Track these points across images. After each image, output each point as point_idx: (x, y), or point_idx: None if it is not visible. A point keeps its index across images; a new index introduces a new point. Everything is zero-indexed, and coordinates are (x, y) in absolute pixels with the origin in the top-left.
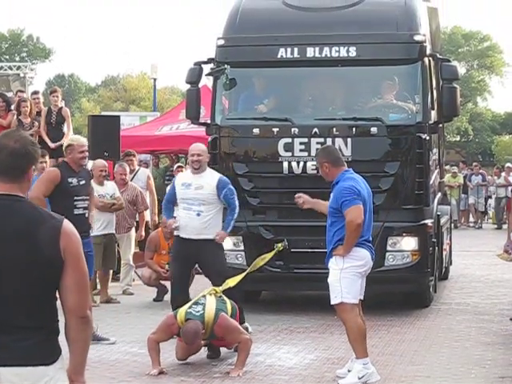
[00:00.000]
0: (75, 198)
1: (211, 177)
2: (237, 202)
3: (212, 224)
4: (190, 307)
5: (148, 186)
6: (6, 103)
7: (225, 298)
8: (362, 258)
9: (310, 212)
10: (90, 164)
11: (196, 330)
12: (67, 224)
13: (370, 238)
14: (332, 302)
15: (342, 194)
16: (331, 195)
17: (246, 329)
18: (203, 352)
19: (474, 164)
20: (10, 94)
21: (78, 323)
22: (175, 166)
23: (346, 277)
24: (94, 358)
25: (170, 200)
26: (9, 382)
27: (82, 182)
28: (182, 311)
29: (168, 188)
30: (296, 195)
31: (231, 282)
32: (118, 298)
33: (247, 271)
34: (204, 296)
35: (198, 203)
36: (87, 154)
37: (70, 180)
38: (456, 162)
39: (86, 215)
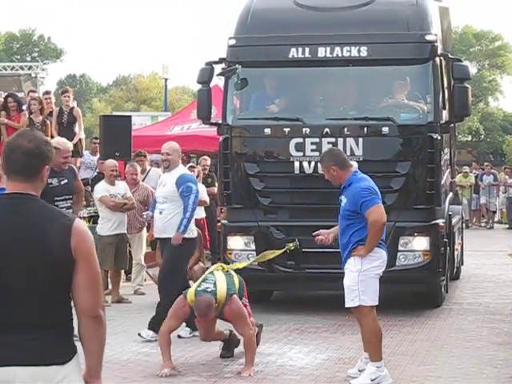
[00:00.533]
0: (56, 198)
1: (176, 174)
2: (191, 201)
3: (172, 223)
4: (198, 285)
5: None
6: (17, 103)
7: (232, 272)
8: (379, 258)
9: (322, 212)
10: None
11: (209, 301)
12: (79, 223)
13: (385, 237)
14: (348, 305)
15: (361, 194)
16: (342, 198)
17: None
18: (215, 352)
19: (486, 164)
20: (21, 95)
21: (91, 323)
22: (187, 166)
23: (363, 279)
24: (106, 357)
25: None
26: (22, 382)
27: (64, 182)
28: (191, 291)
29: None
30: (316, 237)
31: (239, 264)
32: (129, 298)
33: (255, 258)
34: (211, 273)
35: (162, 201)
36: (70, 159)
37: (49, 181)
38: (467, 162)
39: None
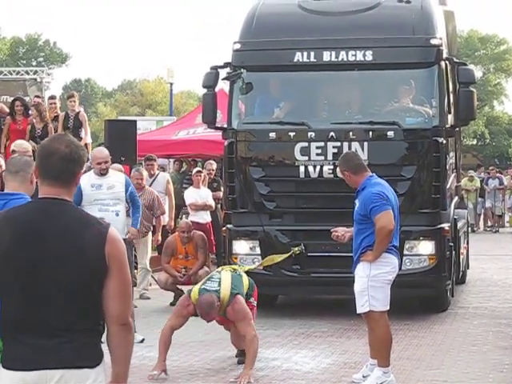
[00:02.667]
0: None
1: (116, 175)
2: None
3: (125, 223)
4: (203, 284)
5: (167, 190)
6: (24, 107)
7: (241, 272)
8: (389, 264)
9: (327, 216)
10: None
11: (211, 301)
12: (113, 230)
13: (397, 244)
14: (359, 311)
15: (372, 199)
16: (356, 202)
17: None
18: (221, 356)
19: (491, 168)
20: (27, 99)
21: (120, 330)
22: (194, 171)
23: (373, 285)
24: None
25: (76, 203)
26: None
27: None
28: (195, 289)
29: (185, 193)
30: (332, 234)
31: (248, 267)
32: (134, 303)
33: (262, 262)
34: (219, 272)
35: (114, 203)
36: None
37: None
38: (472, 166)
39: None
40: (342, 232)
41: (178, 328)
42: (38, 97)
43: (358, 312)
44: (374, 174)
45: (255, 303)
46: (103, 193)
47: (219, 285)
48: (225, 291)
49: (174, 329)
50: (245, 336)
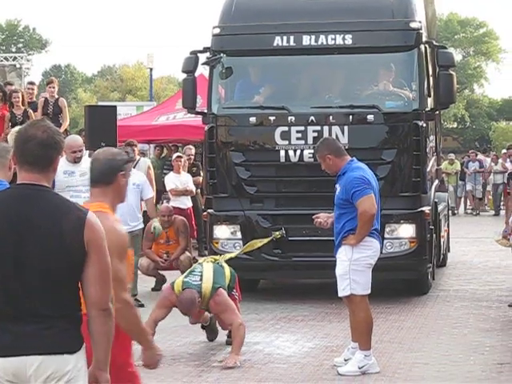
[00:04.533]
0: None
1: (88, 162)
2: None
3: None
4: (186, 276)
5: (148, 175)
6: (2, 93)
7: (223, 264)
8: (371, 247)
9: (308, 200)
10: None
11: (191, 298)
12: (92, 216)
13: (379, 228)
14: (340, 294)
15: (353, 184)
16: (337, 186)
17: None
18: (203, 340)
19: (471, 151)
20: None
21: (100, 316)
22: (174, 156)
23: (355, 269)
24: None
25: None
26: (34, 371)
27: None
28: (178, 281)
29: (165, 178)
30: (315, 220)
31: (230, 255)
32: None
33: (243, 248)
34: (201, 264)
35: (86, 189)
36: None
37: None
38: (453, 149)
39: None
40: (324, 218)
41: (160, 320)
42: (9, 84)
43: (339, 295)
44: (354, 159)
45: (237, 295)
46: (76, 179)
47: (201, 279)
48: (207, 285)
49: (158, 321)
50: (231, 324)
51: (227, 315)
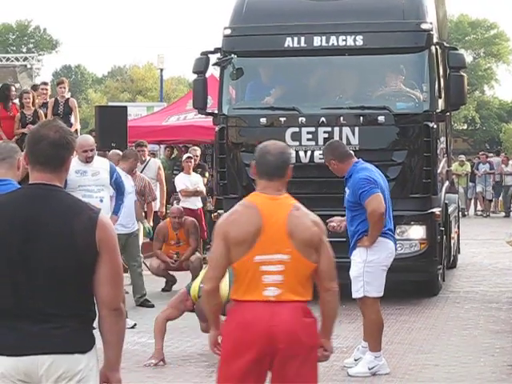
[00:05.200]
0: None
1: (100, 162)
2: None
3: (109, 209)
4: (201, 282)
5: (158, 176)
6: (16, 92)
7: None
8: (386, 249)
9: (318, 201)
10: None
11: None
12: (104, 216)
13: (392, 227)
14: (354, 296)
15: (359, 185)
16: (346, 189)
17: None
18: None
19: (481, 153)
20: (17, 86)
21: (111, 315)
22: (184, 157)
23: (369, 271)
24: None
25: None
26: (45, 370)
27: None
28: (195, 286)
29: (176, 179)
30: (328, 224)
31: None
32: (126, 289)
33: None
34: None
35: (98, 189)
36: None
37: None
38: (463, 151)
39: None
40: (337, 222)
41: (173, 319)
42: (25, 92)
43: (353, 297)
44: (359, 160)
45: None
46: (88, 179)
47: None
48: (224, 290)
49: (169, 319)
50: None
51: None
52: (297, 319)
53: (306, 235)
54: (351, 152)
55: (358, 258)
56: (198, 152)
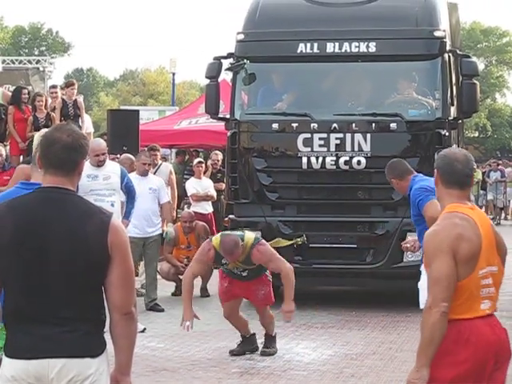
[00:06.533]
0: None
1: (111, 165)
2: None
3: (120, 213)
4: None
5: (170, 180)
6: (29, 95)
7: None
8: None
9: (329, 207)
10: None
11: (235, 240)
12: (115, 220)
13: None
14: (421, 307)
15: (416, 196)
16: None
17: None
18: (223, 346)
19: (493, 161)
20: (29, 88)
21: (123, 319)
22: (195, 162)
23: None
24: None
25: None
26: (56, 373)
27: None
28: (217, 235)
29: (186, 183)
30: (403, 246)
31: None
32: (141, 291)
33: (272, 242)
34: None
35: (109, 193)
36: None
37: None
38: (476, 159)
39: None
40: (411, 243)
41: (198, 274)
42: (39, 95)
43: (420, 307)
44: (418, 174)
45: (270, 278)
46: (99, 183)
47: (243, 232)
48: (249, 236)
49: (196, 275)
50: (280, 271)
51: (274, 264)
52: (503, 328)
53: (504, 246)
54: (410, 168)
55: None
56: (220, 156)
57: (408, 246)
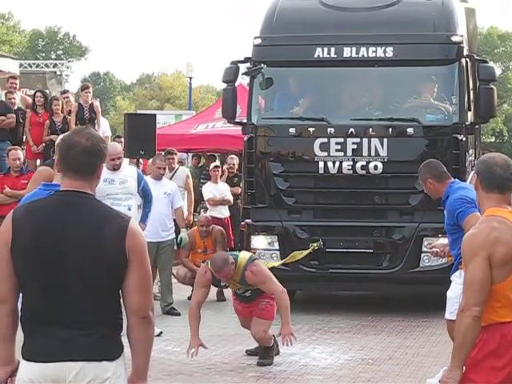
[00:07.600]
0: None
1: (128, 169)
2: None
3: (137, 217)
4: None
5: (186, 185)
6: (45, 99)
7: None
8: None
9: (346, 212)
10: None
11: (224, 256)
12: (133, 224)
13: None
14: (447, 317)
15: (455, 206)
16: (445, 213)
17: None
18: (239, 350)
19: None
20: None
21: (140, 323)
22: (211, 166)
23: None
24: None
25: None
26: (74, 377)
27: None
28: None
29: (203, 188)
30: (431, 250)
31: (272, 263)
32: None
33: (285, 260)
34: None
35: (126, 197)
36: None
37: None
38: None
39: None
40: (440, 247)
41: (203, 301)
42: (55, 99)
43: (445, 317)
44: (455, 180)
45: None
46: (116, 187)
47: (238, 252)
48: (243, 255)
49: (201, 303)
50: (273, 294)
51: (267, 285)
52: None
53: None
54: (448, 173)
55: (459, 280)
56: (236, 161)
57: (438, 250)
